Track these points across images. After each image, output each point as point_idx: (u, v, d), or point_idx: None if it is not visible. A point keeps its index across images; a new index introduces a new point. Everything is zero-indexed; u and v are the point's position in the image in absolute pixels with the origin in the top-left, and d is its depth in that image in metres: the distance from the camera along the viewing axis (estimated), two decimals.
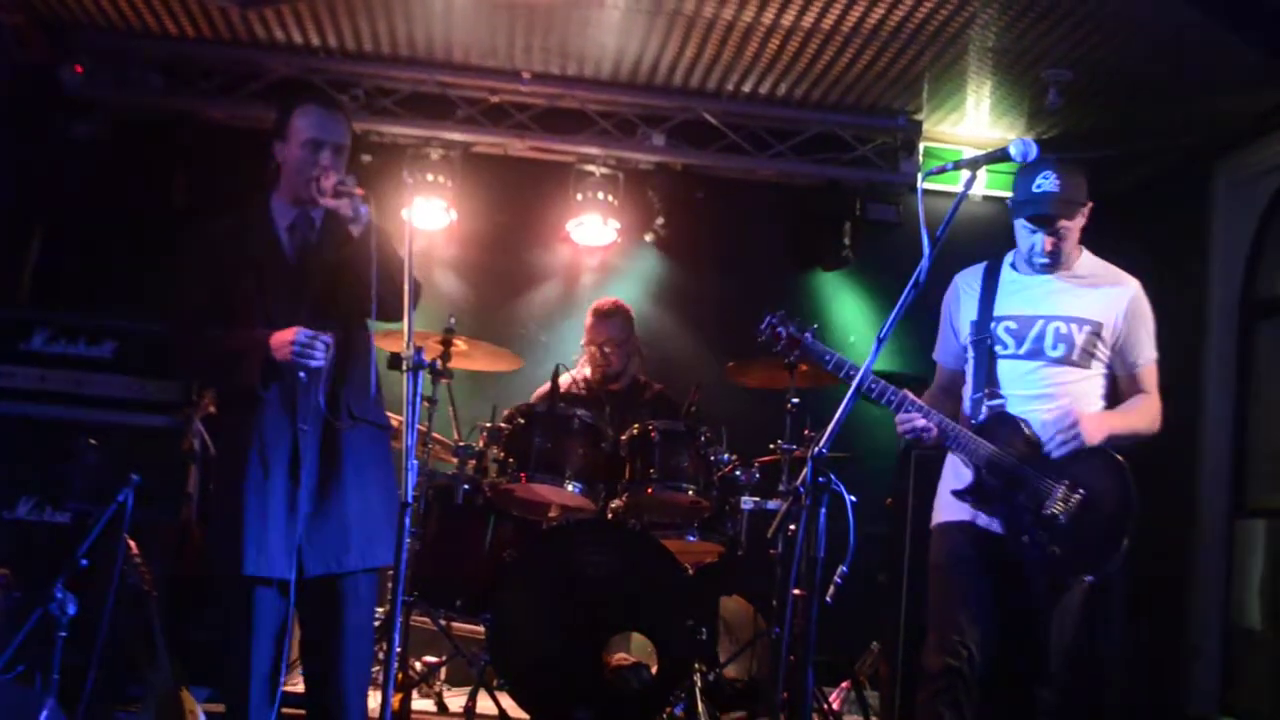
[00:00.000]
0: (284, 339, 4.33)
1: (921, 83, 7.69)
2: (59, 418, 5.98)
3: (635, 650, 5.92)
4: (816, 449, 3.89)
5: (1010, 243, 4.87)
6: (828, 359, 4.70)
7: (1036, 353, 4.70)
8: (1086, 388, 4.70)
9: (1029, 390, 4.69)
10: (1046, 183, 4.60)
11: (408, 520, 3.93)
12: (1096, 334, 4.67)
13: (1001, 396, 4.69)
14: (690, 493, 6.18)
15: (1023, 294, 4.78)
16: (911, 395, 4.64)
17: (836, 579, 3.84)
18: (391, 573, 4.09)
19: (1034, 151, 4.05)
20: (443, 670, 6.93)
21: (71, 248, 8.03)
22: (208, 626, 6.03)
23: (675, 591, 5.95)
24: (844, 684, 7.02)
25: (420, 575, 6.18)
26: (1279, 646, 6.89)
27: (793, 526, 4.05)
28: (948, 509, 4.78)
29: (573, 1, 7.00)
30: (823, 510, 3.81)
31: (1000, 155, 4.15)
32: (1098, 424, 4.57)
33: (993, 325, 4.78)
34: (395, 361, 4.10)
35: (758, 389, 7.05)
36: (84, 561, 4.70)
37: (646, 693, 5.83)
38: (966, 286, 4.94)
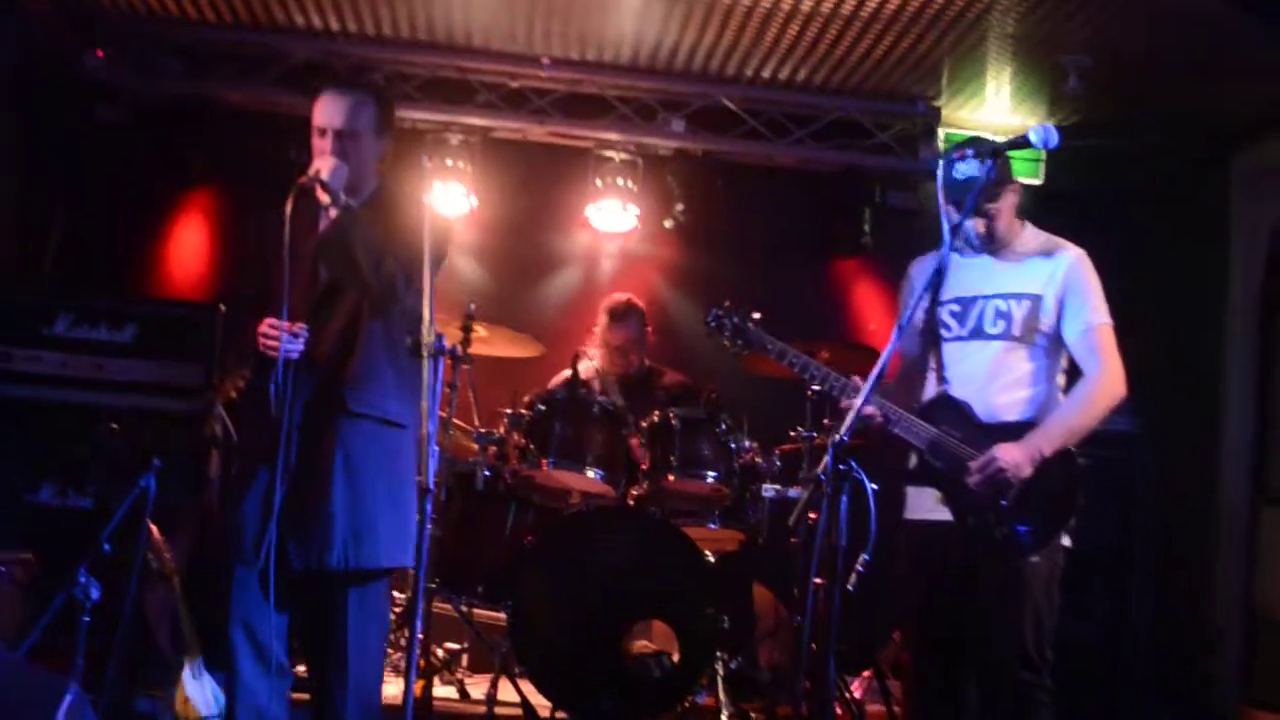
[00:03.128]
0: (258, 329, 4.31)
1: (941, 68, 7.65)
2: (81, 402, 6.02)
3: (657, 638, 5.91)
4: (837, 436, 3.89)
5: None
6: (770, 348, 4.76)
7: (978, 332, 4.66)
8: (1030, 366, 4.62)
9: (973, 371, 4.64)
10: (968, 168, 4.55)
11: (429, 507, 3.94)
12: (1036, 307, 4.60)
13: (947, 380, 4.66)
14: (711, 480, 6.17)
15: (966, 276, 4.71)
16: (857, 380, 4.59)
17: (858, 567, 3.83)
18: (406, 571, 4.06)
19: (1054, 138, 4.00)
20: (464, 657, 6.96)
21: (93, 233, 8.06)
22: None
23: (697, 579, 5.94)
24: (866, 673, 7.02)
25: (442, 562, 6.18)
26: None
27: (814, 514, 4.06)
28: (911, 505, 4.75)
29: None
30: (844, 498, 3.80)
31: (1021, 142, 4.12)
32: (1026, 453, 4.43)
33: (939, 310, 4.74)
34: (415, 348, 4.10)
35: (778, 376, 7.00)
36: (107, 546, 4.72)
37: (668, 681, 5.83)
38: (919, 275, 4.91)
